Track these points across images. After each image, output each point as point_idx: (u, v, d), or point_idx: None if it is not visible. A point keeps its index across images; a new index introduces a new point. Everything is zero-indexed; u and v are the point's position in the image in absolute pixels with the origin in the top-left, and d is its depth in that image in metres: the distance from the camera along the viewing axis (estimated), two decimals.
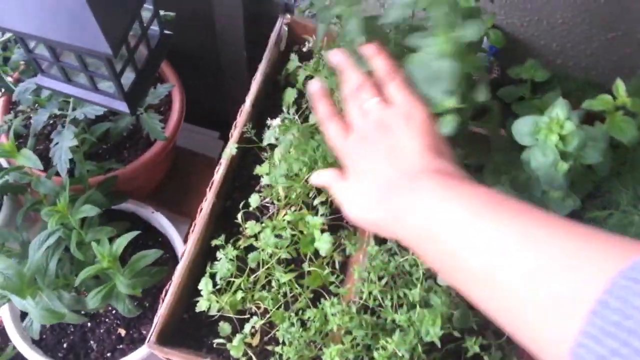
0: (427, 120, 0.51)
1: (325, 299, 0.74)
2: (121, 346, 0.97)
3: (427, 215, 0.44)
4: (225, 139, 1.33)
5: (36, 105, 0.85)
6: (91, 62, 0.56)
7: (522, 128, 0.62)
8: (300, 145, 0.71)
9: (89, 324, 0.98)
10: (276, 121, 0.71)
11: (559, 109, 0.59)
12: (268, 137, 0.77)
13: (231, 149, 0.78)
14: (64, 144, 0.75)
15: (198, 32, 0.98)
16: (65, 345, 0.97)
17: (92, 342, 0.97)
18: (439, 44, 0.55)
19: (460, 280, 0.41)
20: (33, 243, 0.75)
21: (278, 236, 0.72)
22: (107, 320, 0.98)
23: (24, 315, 0.97)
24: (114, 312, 0.99)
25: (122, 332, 0.98)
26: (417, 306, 0.65)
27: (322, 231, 0.71)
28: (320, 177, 0.57)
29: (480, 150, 0.72)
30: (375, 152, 0.51)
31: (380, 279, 0.70)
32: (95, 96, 0.60)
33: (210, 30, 0.95)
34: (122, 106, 0.60)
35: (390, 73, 0.54)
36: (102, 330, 0.98)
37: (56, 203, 0.80)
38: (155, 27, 0.63)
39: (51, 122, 0.93)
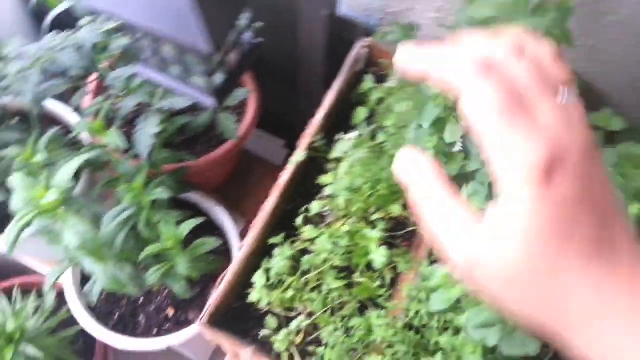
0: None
1: (367, 310, 0.77)
2: (167, 326, 1.03)
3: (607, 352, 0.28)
4: (290, 148, 1.39)
5: (124, 92, 0.92)
6: (188, 59, 0.62)
7: None
8: (368, 163, 0.74)
9: (141, 300, 1.04)
10: (351, 135, 0.75)
11: None
12: (338, 150, 0.81)
13: (300, 155, 0.83)
14: (148, 130, 0.81)
15: (281, 45, 1.04)
16: (116, 316, 1.03)
17: (141, 317, 1.03)
18: None
19: None
20: (108, 215, 0.81)
21: (334, 244, 0.76)
22: (157, 299, 1.04)
23: (83, 282, 1.04)
24: (165, 292, 1.05)
25: (170, 312, 1.03)
26: (462, 332, 0.67)
27: (379, 245, 0.74)
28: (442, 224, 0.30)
29: None
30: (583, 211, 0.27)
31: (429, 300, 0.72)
32: (187, 89, 0.66)
33: (293, 45, 1.00)
34: (209, 101, 0.65)
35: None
36: (152, 308, 1.04)
37: (131, 183, 0.87)
38: (248, 34, 0.69)
39: (136, 109, 1.00)
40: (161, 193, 0.85)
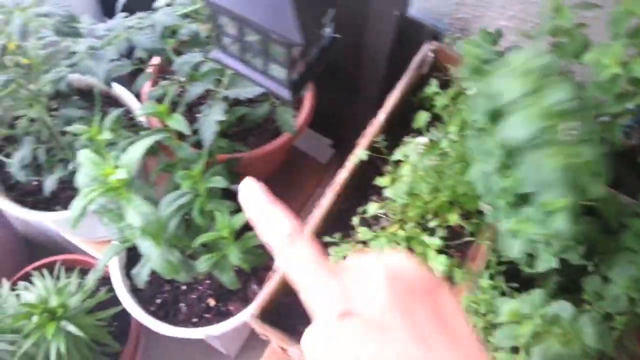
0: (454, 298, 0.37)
1: None
2: (207, 315, 1.02)
3: None
4: (336, 147, 1.38)
5: (189, 77, 0.92)
6: (272, 49, 0.61)
7: None
8: (431, 169, 0.73)
9: (183, 287, 1.04)
10: (422, 140, 0.74)
11: None
12: (400, 153, 0.80)
13: (361, 154, 0.82)
14: (213, 117, 0.81)
15: (346, 44, 1.03)
16: (158, 301, 1.03)
17: (182, 304, 1.03)
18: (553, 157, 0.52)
19: None
20: (165, 199, 0.81)
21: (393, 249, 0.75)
22: (200, 288, 1.04)
23: (128, 265, 1.05)
24: (208, 282, 1.05)
25: (212, 302, 1.03)
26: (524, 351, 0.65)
27: (439, 253, 0.73)
28: None
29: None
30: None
31: (485, 313, 0.71)
32: (264, 80, 0.65)
33: (357, 44, 1.00)
34: (285, 93, 0.65)
35: None
36: (194, 296, 1.04)
37: (188, 169, 0.87)
38: (329, 29, 0.68)
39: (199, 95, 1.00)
40: (219, 181, 0.85)
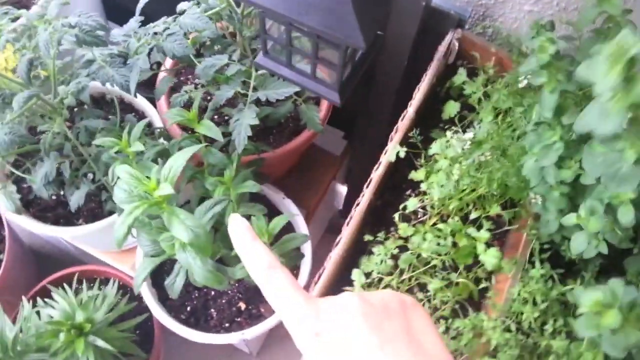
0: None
1: (467, 310, 0.76)
2: (239, 319, 1.01)
3: None
4: (348, 139, 1.36)
5: (211, 81, 0.90)
6: (324, 52, 0.59)
7: None
8: (482, 163, 0.72)
9: (212, 293, 1.03)
10: (468, 135, 0.73)
11: None
12: (438, 146, 0.79)
13: (398, 151, 0.80)
14: (245, 121, 0.79)
15: None
16: (188, 308, 1.01)
17: (212, 310, 1.02)
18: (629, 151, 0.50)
19: None
20: (199, 209, 0.79)
21: (439, 244, 0.74)
22: (229, 292, 1.03)
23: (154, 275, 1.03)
24: (236, 285, 1.03)
25: (242, 306, 1.02)
26: (584, 339, 0.65)
27: (488, 246, 0.72)
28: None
29: None
30: None
31: (535, 303, 0.71)
32: (312, 83, 0.63)
33: (378, 37, 0.98)
34: (335, 96, 0.63)
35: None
36: (223, 301, 1.02)
37: (218, 175, 0.85)
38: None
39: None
40: (251, 186, 0.83)
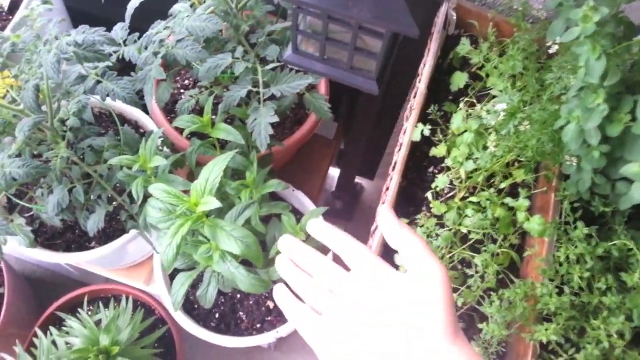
0: (448, 282, 0.42)
1: (508, 278, 0.76)
2: (269, 318, 1.00)
3: None
4: (336, 121, 1.34)
5: (214, 82, 0.87)
6: (364, 42, 0.57)
7: None
8: (522, 133, 0.71)
9: (238, 296, 1.00)
10: (501, 106, 0.72)
11: None
12: (460, 119, 0.78)
13: (422, 129, 0.80)
14: (264, 119, 0.76)
15: None
16: (216, 315, 0.99)
17: (241, 312, 1.00)
18: None
19: None
20: (229, 216, 0.76)
21: (481, 219, 0.74)
22: (256, 293, 1.01)
23: None
24: None
25: (271, 304, 1.00)
26: (636, 290, 0.67)
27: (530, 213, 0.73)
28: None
29: None
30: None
31: (578, 262, 0.72)
32: (348, 75, 0.61)
33: None
34: (373, 85, 0.61)
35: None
36: (251, 302, 1.00)
37: (239, 178, 0.82)
38: None
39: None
40: (276, 185, 0.81)
